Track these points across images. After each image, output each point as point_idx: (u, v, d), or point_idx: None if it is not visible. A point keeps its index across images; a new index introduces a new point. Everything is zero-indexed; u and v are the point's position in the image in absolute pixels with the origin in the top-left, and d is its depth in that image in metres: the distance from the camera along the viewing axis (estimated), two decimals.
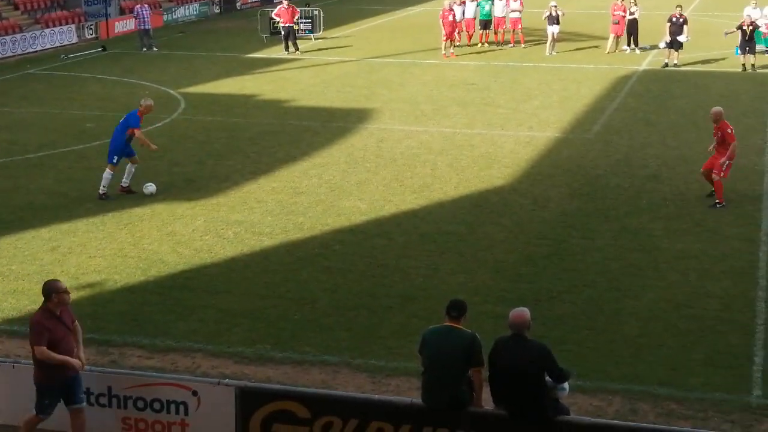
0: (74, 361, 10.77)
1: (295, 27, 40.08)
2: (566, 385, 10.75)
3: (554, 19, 37.87)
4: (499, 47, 40.00)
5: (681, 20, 34.80)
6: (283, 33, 39.53)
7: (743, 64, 34.12)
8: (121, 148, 20.26)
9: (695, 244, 17.64)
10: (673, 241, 17.85)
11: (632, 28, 37.91)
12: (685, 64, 35.17)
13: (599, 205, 19.85)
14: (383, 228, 18.67)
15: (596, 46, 39.60)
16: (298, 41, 39.66)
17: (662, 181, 21.39)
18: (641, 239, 17.95)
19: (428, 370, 10.56)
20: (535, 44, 40.20)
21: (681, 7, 35.89)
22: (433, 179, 21.66)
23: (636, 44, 38.18)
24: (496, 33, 40.63)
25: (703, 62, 36.03)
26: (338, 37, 43.74)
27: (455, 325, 10.54)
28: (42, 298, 10.95)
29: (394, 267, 16.73)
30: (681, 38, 34.72)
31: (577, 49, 39.23)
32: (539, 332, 12.27)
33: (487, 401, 10.74)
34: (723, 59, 36.01)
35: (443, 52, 38.04)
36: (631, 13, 37.63)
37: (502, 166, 22.66)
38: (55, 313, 10.78)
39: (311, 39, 42.33)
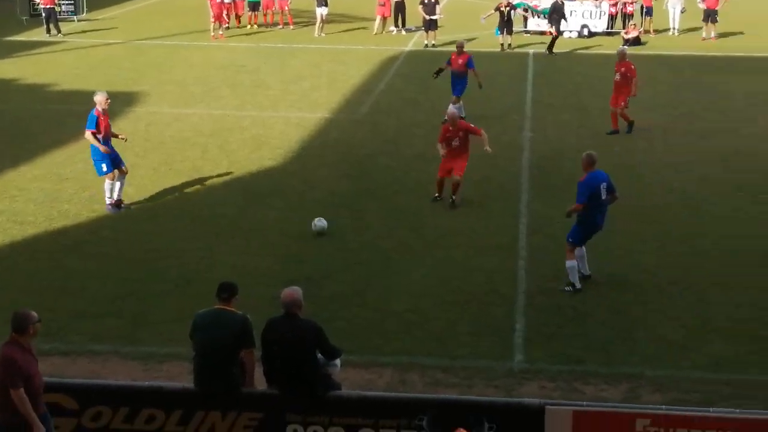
0: (39, 427, 9.62)
1: (57, 8, 38.72)
2: (338, 361, 10.96)
3: (322, 1, 38.18)
4: (268, 29, 40.00)
5: (433, 1, 35.75)
6: (43, 15, 38.09)
7: (501, 44, 35.45)
8: (101, 154, 18.06)
9: (462, 221, 18.23)
10: (440, 218, 18.38)
11: (399, 9, 38.67)
12: (447, 44, 36.14)
13: (369, 185, 20.21)
14: (153, 213, 18.38)
15: (364, 28, 40.18)
16: (60, 23, 38.32)
17: (429, 161, 21.93)
18: (410, 218, 18.39)
19: (199, 354, 10.52)
20: (304, 26, 40.41)
21: None
22: (204, 162, 21.47)
23: (403, 25, 38.97)
24: (265, 15, 40.64)
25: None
26: (103, 18, 42.58)
27: (226, 308, 10.54)
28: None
29: (166, 252, 16.52)
30: (434, 17, 35.70)
31: (346, 31, 39.71)
32: (311, 311, 12.37)
33: (260, 381, 10.80)
34: (483, 39, 37.22)
35: (212, 33, 37.67)
36: None
37: (272, 147, 22.70)
38: (25, 346, 9.71)
39: (74, 21, 41.03)
